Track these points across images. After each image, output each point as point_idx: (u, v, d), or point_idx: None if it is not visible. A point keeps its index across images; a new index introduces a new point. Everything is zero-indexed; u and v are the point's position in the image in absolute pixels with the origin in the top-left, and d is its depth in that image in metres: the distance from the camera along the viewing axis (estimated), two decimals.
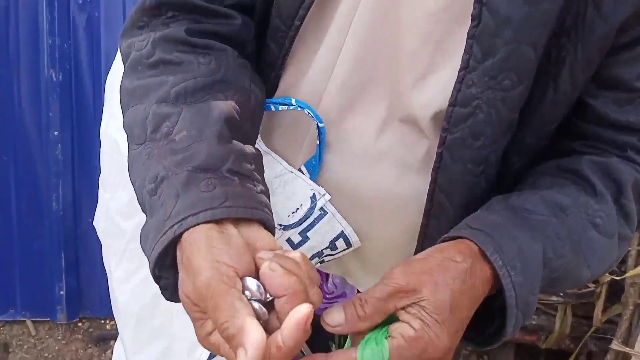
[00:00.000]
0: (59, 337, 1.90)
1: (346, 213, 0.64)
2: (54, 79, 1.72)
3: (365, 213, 0.64)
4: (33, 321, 1.89)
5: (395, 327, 0.48)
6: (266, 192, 0.52)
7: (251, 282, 0.44)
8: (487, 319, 0.54)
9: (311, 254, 0.64)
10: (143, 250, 0.50)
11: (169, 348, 0.72)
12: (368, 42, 0.57)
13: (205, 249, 0.45)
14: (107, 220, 0.76)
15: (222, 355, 0.45)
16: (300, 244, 0.64)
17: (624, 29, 0.55)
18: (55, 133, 1.75)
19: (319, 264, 0.67)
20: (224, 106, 0.54)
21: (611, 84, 0.59)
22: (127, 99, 0.58)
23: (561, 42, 0.55)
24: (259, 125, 0.61)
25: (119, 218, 0.72)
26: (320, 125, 0.60)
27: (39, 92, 1.72)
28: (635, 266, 1.48)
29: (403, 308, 0.48)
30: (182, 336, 0.70)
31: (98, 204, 0.79)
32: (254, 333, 0.41)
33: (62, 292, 1.85)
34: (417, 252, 0.62)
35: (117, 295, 0.76)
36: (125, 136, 0.58)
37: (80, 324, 1.92)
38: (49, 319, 1.89)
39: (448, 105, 0.56)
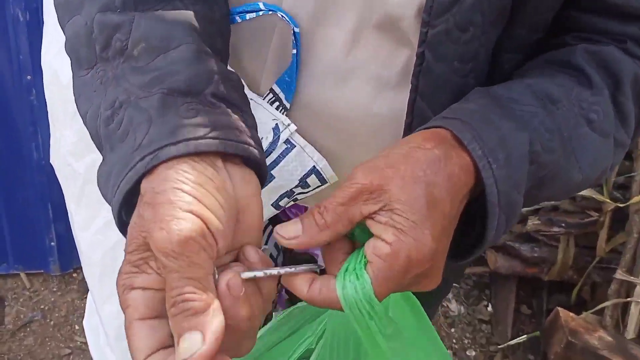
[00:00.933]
0: (54, 289, 1.88)
1: (318, 140, 0.55)
2: (21, 19, 1.61)
3: (340, 138, 0.55)
4: (27, 274, 1.87)
5: (370, 247, 0.41)
6: (256, 127, 0.44)
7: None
8: (465, 228, 0.46)
9: (279, 194, 0.56)
10: (102, 194, 0.42)
11: None
12: None
13: (192, 190, 0.36)
14: (60, 161, 0.69)
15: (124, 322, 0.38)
16: (265, 184, 0.55)
17: None
18: (28, 77, 1.66)
19: (290, 203, 0.59)
20: (188, 15, 0.44)
21: None
22: (63, 11, 0.48)
23: None
24: (229, 43, 0.51)
25: (70, 158, 0.65)
26: (296, 30, 0.50)
27: (6, 34, 1.62)
28: None
29: (371, 216, 0.41)
30: None
31: (50, 142, 0.72)
32: (219, 319, 0.35)
33: (52, 243, 1.81)
34: None
35: (80, 241, 0.70)
36: (65, 63, 0.49)
37: (75, 275, 1.90)
38: (42, 270, 1.86)
39: (423, 19, 0.47)
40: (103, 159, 0.42)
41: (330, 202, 0.41)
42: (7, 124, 1.71)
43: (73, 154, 0.65)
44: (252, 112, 0.48)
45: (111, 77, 0.42)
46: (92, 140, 0.45)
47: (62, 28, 0.49)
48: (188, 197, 0.36)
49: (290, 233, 0.41)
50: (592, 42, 0.53)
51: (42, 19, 1.59)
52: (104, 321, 0.75)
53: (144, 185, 0.38)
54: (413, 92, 0.50)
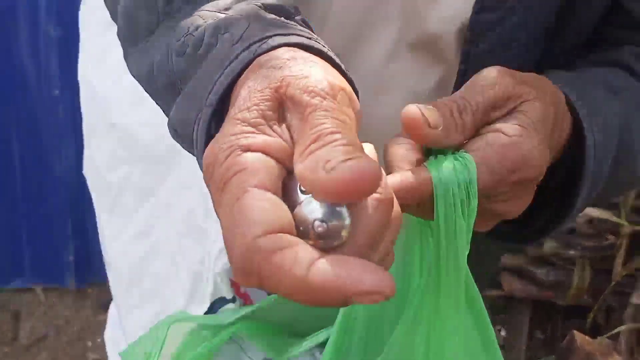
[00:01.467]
0: (69, 304, 1.90)
1: None
2: (52, 35, 1.65)
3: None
4: (42, 288, 1.88)
5: (479, 139, 0.37)
6: None
7: None
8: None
9: None
10: (179, 125, 0.37)
11: (161, 313, 0.68)
12: None
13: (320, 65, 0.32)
14: (93, 172, 0.71)
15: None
16: None
17: None
18: (56, 92, 1.69)
19: None
20: None
21: (629, 11, 0.51)
22: None
23: None
24: None
25: (104, 170, 0.67)
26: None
27: (37, 49, 1.66)
28: None
29: (496, 120, 0.38)
30: (173, 301, 0.66)
31: (84, 154, 0.74)
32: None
33: (70, 257, 1.83)
34: None
35: (108, 251, 0.72)
36: (102, 76, 0.51)
37: (89, 290, 1.91)
38: (58, 285, 1.88)
39: (473, 13, 0.47)
40: (182, 94, 0.38)
41: (470, 103, 0.37)
42: (32, 136, 1.75)
43: (107, 165, 0.67)
44: None
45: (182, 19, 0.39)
46: (159, 97, 0.42)
47: (111, 13, 0.49)
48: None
49: (435, 121, 0.36)
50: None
51: (74, 35, 1.65)
52: (127, 331, 0.76)
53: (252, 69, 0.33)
54: None
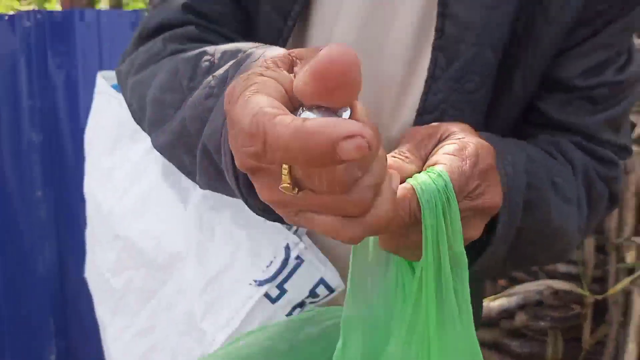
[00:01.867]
0: None
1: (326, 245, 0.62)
2: (35, 140, 1.74)
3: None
4: None
5: (435, 155, 0.43)
6: None
7: None
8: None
9: (292, 306, 0.62)
10: (207, 150, 0.47)
11: None
12: None
13: None
14: (97, 275, 0.77)
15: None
16: (279, 297, 0.61)
17: (568, 33, 0.58)
18: (39, 193, 1.76)
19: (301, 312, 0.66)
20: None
21: (553, 84, 0.61)
22: (141, 87, 0.59)
23: (514, 48, 0.58)
24: None
25: (108, 275, 0.74)
26: None
27: (19, 153, 1.74)
28: (616, 284, 1.51)
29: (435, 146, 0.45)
30: None
31: (87, 257, 0.80)
32: None
33: (52, 357, 1.83)
34: None
35: (111, 350, 0.76)
36: (106, 193, 0.59)
37: None
38: None
39: (416, 115, 0.57)
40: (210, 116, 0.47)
41: (406, 147, 0.44)
42: (14, 237, 1.78)
43: (111, 271, 0.73)
44: (263, 233, 0.58)
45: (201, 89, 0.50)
46: (192, 145, 0.51)
47: (135, 112, 0.61)
48: None
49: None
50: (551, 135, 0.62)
51: (55, 139, 1.73)
52: None
53: None
54: None
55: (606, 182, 0.63)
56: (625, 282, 1.50)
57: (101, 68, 1.75)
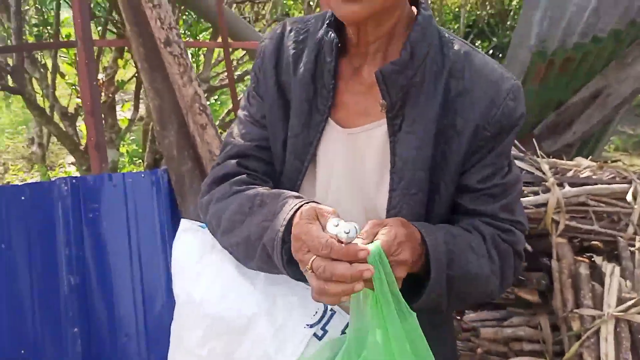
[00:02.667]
0: None
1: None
2: (72, 283, 2.06)
3: None
4: None
5: (378, 236, 0.85)
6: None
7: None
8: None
9: (330, 340, 0.97)
10: (265, 247, 0.93)
11: None
12: (342, 193, 1.02)
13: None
14: (183, 354, 1.08)
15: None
16: (322, 336, 0.97)
17: (465, 159, 0.97)
18: (75, 330, 2.04)
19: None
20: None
21: (464, 188, 0.99)
22: (218, 212, 1.04)
23: (436, 169, 0.97)
24: None
25: (195, 348, 1.03)
26: None
27: (58, 293, 2.05)
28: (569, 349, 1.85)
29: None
30: None
31: (171, 346, 1.11)
32: None
33: None
34: None
35: None
36: (196, 286, 0.98)
37: None
38: None
39: (386, 211, 0.98)
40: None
41: (366, 230, 0.86)
42: None
43: (198, 344, 1.03)
44: (308, 296, 0.95)
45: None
46: (253, 250, 0.97)
47: (213, 228, 1.06)
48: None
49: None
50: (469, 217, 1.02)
51: (90, 280, 2.06)
52: None
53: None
54: None
55: (509, 244, 1.02)
56: (576, 346, 1.83)
57: (127, 220, 2.14)
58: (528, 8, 2.89)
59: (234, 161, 1.07)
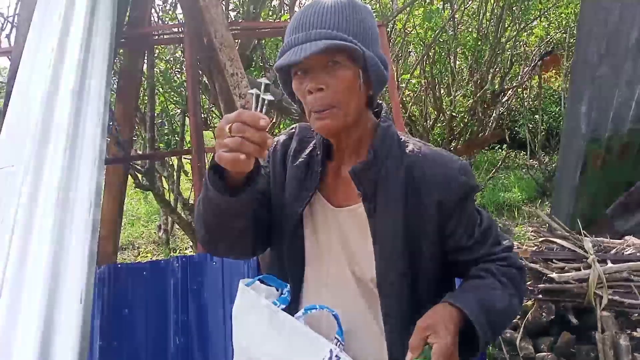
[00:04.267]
0: None
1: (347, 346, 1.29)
2: (178, 342, 2.51)
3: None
4: None
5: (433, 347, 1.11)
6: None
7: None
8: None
9: None
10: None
11: None
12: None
13: None
14: None
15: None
16: None
17: (440, 230, 1.25)
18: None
19: None
20: None
21: (456, 248, 1.27)
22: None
23: (414, 238, 1.25)
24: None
25: None
26: (334, 314, 1.33)
27: (167, 353, 2.51)
28: None
29: (428, 336, 1.12)
30: None
31: None
32: None
33: None
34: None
35: None
36: (253, 344, 1.36)
37: None
38: None
39: (376, 274, 1.27)
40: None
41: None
42: None
43: None
44: (319, 344, 1.29)
45: None
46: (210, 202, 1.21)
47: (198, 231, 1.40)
48: None
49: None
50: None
51: (196, 319, 2.52)
52: None
53: None
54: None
55: (509, 266, 1.29)
56: None
57: (223, 291, 2.59)
58: (573, 102, 3.10)
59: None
